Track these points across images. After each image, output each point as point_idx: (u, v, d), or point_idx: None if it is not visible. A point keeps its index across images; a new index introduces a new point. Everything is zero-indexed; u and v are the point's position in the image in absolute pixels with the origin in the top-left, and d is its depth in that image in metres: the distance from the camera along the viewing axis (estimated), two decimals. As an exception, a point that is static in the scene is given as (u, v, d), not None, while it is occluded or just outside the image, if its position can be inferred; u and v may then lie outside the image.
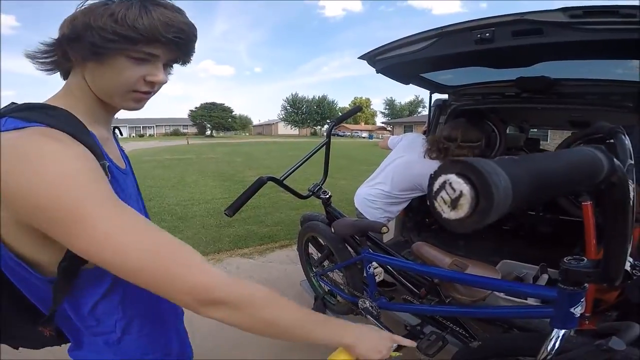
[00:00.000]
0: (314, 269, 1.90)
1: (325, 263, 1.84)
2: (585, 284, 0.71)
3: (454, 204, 0.23)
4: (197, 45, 0.58)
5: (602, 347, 0.62)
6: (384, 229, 1.28)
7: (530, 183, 0.25)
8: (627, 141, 0.80)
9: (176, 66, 0.61)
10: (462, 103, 2.44)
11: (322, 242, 1.82)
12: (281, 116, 68.67)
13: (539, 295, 0.89)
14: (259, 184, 1.31)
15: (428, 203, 0.25)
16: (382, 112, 75.30)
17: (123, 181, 0.60)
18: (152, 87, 0.56)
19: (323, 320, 0.60)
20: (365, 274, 1.41)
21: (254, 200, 5.33)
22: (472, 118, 2.01)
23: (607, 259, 0.60)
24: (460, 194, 0.23)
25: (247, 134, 74.00)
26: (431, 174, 0.26)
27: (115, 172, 0.58)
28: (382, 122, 67.34)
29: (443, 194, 0.24)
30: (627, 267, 0.63)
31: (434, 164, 1.73)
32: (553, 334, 0.77)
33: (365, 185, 2.01)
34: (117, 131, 0.72)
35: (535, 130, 3.90)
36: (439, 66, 1.95)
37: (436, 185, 0.25)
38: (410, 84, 2.41)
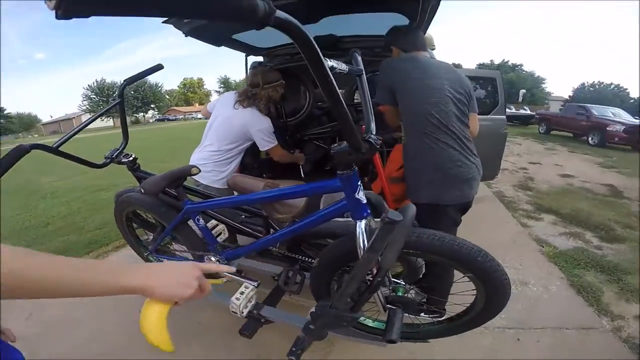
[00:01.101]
0: (148, 249, 1.75)
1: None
2: (355, 167, 0.91)
3: None
4: None
5: (384, 220, 0.78)
6: (194, 170, 1.29)
7: None
8: (360, 58, 1.10)
9: None
10: (275, 64, 2.62)
11: (144, 216, 1.71)
12: (85, 107, 55.40)
13: (329, 187, 1.02)
14: (18, 152, 1.06)
15: None
16: (217, 92, 72.28)
17: None
18: None
19: (97, 264, 0.55)
20: (197, 229, 1.40)
21: (64, 207, 4.41)
22: (285, 77, 2.19)
23: (344, 133, 0.76)
24: None
25: (36, 135, 56.54)
26: None
27: None
28: (217, 101, 64.43)
29: None
30: (372, 140, 0.83)
31: (248, 111, 1.87)
32: (357, 228, 0.94)
33: (195, 152, 1.99)
34: None
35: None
36: (242, 27, 1.99)
37: None
38: (224, 47, 2.40)
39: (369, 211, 0.96)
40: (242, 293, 1.34)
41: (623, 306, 2.07)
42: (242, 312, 1.32)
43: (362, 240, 0.93)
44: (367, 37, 2.21)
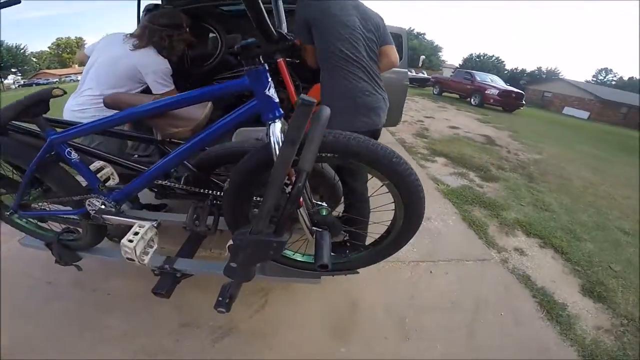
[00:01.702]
0: (10, 207, 1.37)
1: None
2: (263, 63, 0.84)
3: None
4: None
5: (299, 103, 0.75)
6: (57, 91, 1.03)
7: None
8: None
9: None
10: (175, 5, 2.29)
11: None
12: None
13: (237, 87, 0.90)
14: None
15: None
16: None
17: None
18: None
19: None
20: (70, 165, 1.12)
21: None
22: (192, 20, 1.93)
23: (254, 20, 0.73)
24: None
25: None
26: None
27: None
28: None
29: None
30: (284, 32, 0.81)
31: (142, 51, 1.61)
32: (269, 131, 0.85)
33: (70, 98, 1.63)
34: None
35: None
36: None
37: None
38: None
39: (281, 111, 0.89)
40: (136, 234, 1.09)
41: (504, 239, 2.52)
42: (142, 259, 1.10)
43: (277, 144, 0.85)
44: None
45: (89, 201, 1.16)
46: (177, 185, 1.23)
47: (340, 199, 1.31)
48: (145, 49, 1.62)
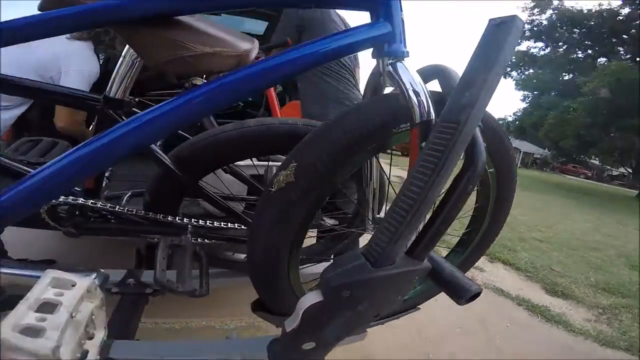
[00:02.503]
0: None
1: None
2: None
3: None
4: None
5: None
6: None
7: None
8: None
9: None
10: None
11: None
12: None
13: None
14: None
15: None
16: None
17: None
18: None
19: None
20: None
21: None
22: None
23: None
24: None
25: None
26: None
27: None
28: None
29: None
30: None
31: (77, 44, 1.27)
32: (399, 71, 0.55)
33: None
34: None
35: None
36: None
37: None
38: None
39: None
40: (51, 307, 0.37)
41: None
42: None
43: (413, 90, 0.51)
44: None
45: None
46: (125, 210, 0.68)
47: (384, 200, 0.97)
48: (84, 42, 1.28)
